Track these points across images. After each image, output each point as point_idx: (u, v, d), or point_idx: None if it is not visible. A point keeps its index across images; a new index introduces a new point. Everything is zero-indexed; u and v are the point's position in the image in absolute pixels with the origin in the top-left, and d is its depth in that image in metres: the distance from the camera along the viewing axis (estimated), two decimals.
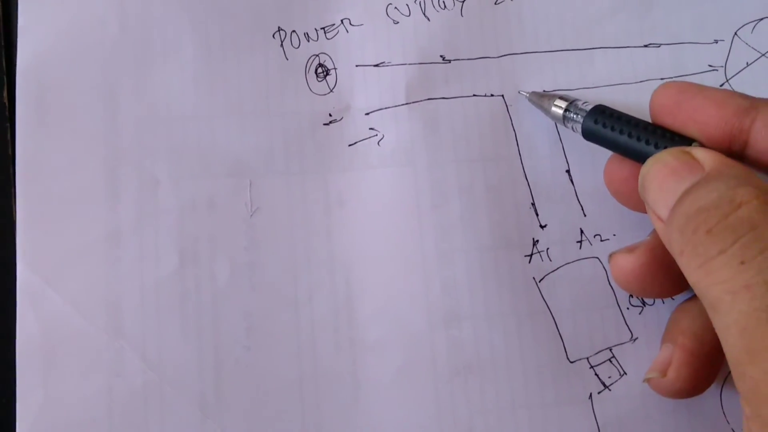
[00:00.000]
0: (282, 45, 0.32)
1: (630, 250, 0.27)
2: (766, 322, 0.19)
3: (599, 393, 0.29)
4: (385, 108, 0.31)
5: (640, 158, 0.26)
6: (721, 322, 0.20)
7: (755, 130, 0.24)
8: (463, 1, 0.32)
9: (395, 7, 0.32)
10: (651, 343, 0.30)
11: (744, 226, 0.20)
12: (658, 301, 0.30)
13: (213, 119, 0.31)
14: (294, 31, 0.32)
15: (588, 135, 0.28)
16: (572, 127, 0.29)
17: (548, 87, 0.32)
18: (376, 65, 0.32)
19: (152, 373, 0.29)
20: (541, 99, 0.30)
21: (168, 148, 0.30)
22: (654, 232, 0.28)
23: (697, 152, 0.24)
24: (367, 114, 0.31)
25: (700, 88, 0.26)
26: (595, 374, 0.30)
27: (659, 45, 0.32)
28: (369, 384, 0.29)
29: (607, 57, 0.32)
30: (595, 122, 0.28)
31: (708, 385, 0.27)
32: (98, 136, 0.30)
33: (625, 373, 0.30)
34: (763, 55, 0.32)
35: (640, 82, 0.32)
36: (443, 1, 0.32)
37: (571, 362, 0.30)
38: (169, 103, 0.31)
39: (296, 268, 0.30)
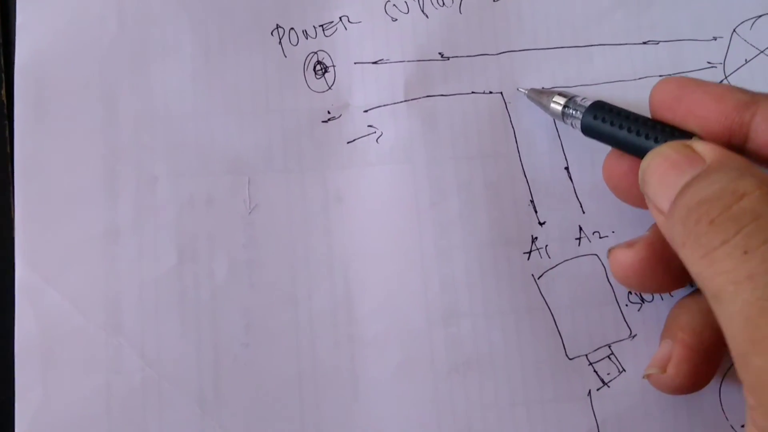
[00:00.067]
0: (280, 42, 0.32)
1: (629, 245, 0.27)
2: None
3: (598, 390, 0.29)
4: (384, 105, 0.31)
5: (640, 153, 0.26)
6: (725, 312, 0.20)
7: (755, 125, 0.24)
8: None
9: (394, 5, 0.32)
10: (650, 340, 0.30)
11: (747, 217, 0.20)
12: (657, 298, 0.30)
13: (211, 116, 0.31)
14: (292, 28, 0.32)
15: (587, 131, 0.28)
16: (571, 123, 0.29)
17: (547, 84, 0.32)
18: (375, 62, 0.32)
19: (151, 370, 0.29)
20: (540, 95, 0.30)
21: (166, 145, 0.30)
22: (653, 227, 0.28)
23: (698, 145, 0.24)
24: (366, 111, 0.31)
25: (700, 83, 0.26)
26: (594, 371, 0.30)
27: (658, 42, 0.32)
28: (368, 381, 0.29)
29: (606, 54, 0.32)
30: (594, 117, 0.28)
31: (707, 381, 0.27)
32: (97, 134, 0.30)
33: (624, 370, 0.30)
34: (762, 52, 0.32)
35: (639, 79, 0.32)
36: None
37: (570, 359, 0.30)
38: (168, 100, 0.31)
39: (295, 266, 0.30)
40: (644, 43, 0.32)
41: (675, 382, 0.27)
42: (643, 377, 0.28)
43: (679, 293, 0.30)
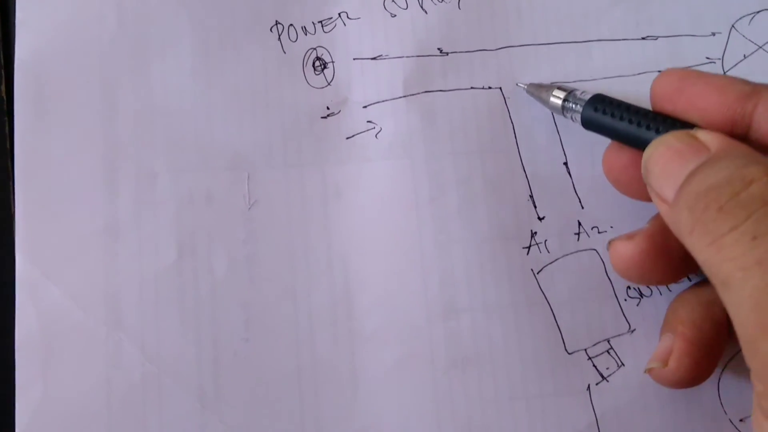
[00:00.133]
0: (279, 39, 0.32)
1: (629, 237, 0.27)
2: None
3: (597, 384, 0.30)
4: (383, 101, 0.31)
5: (641, 145, 0.26)
6: (733, 298, 0.20)
7: (757, 115, 0.24)
8: None
9: (392, 0, 0.32)
10: (649, 335, 0.30)
11: (756, 202, 0.20)
12: (656, 292, 0.30)
13: (211, 113, 0.31)
14: (291, 24, 0.32)
15: (588, 123, 0.28)
16: (571, 117, 0.29)
17: (546, 80, 0.32)
18: (374, 58, 0.32)
19: (151, 366, 0.29)
20: (539, 90, 0.30)
21: (166, 141, 0.31)
22: (652, 220, 0.28)
23: (701, 134, 0.24)
24: (365, 107, 0.31)
25: (701, 75, 0.26)
26: (593, 365, 0.30)
27: (656, 38, 0.32)
28: (367, 376, 0.29)
29: (605, 50, 0.32)
30: (595, 110, 0.28)
31: (709, 375, 0.27)
32: (96, 130, 0.30)
33: (623, 365, 0.30)
34: (761, 47, 0.33)
35: (637, 74, 0.32)
36: None
37: (569, 354, 0.30)
38: (167, 96, 0.31)
39: (294, 261, 0.30)
40: (643, 38, 0.32)
41: (676, 375, 0.27)
42: (645, 372, 0.28)
43: (678, 288, 0.30)
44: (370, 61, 0.32)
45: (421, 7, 0.32)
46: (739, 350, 0.29)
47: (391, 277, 0.30)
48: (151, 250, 0.30)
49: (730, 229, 0.20)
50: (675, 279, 0.28)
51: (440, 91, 0.31)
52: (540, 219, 0.31)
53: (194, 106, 0.31)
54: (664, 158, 0.24)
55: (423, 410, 0.29)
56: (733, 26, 0.33)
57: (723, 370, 0.30)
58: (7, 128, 0.31)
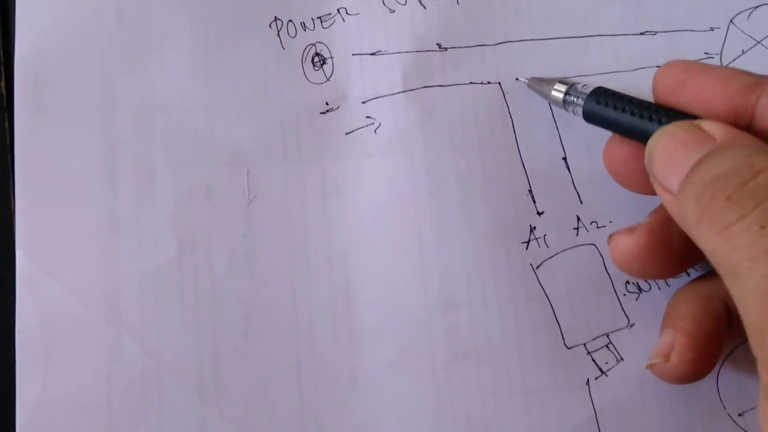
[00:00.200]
0: (279, 35, 0.32)
1: (630, 231, 0.27)
2: None
3: (596, 379, 0.30)
4: (382, 96, 0.31)
5: (643, 137, 0.26)
6: (741, 288, 0.20)
7: (760, 107, 0.24)
8: None
9: None
10: (648, 329, 0.30)
11: (764, 192, 0.20)
12: (654, 287, 0.30)
13: (210, 109, 0.31)
14: (290, 20, 0.32)
15: (589, 116, 0.28)
16: (573, 111, 0.29)
17: (545, 74, 0.32)
18: (373, 54, 0.32)
19: (151, 361, 0.29)
20: (541, 84, 0.30)
21: (165, 137, 0.31)
22: (653, 213, 0.28)
23: (706, 124, 0.24)
24: (364, 102, 0.31)
25: (704, 67, 0.26)
26: (592, 360, 0.30)
27: (655, 33, 0.32)
28: (367, 370, 0.29)
29: (603, 45, 0.32)
30: (597, 102, 0.28)
31: (710, 369, 0.27)
32: (96, 126, 0.31)
33: (622, 359, 0.30)
34: (759, 42, 0.33)
35: (636, 69, 0.32)
36: None
37: (569, 348, 0.30)
38: (167, 92, 0.31)
39: (294, 256, 0.30)
40: (642, 33, 0.32)
41: (678, 370, 0.27)
42: (647, 368, 0.28)
43: (676, 283, 0.30)
44: (369, 56, 0.32)
45: (420, 2, 0.32)
46: (738, 345, 0.30)
47: (391, 273, 0.30)
48: (150, 246, 0.30)
49: (738, 218, 0.20)
50: (675, 273, 0.28)
51: (439, 86, 0.32)
52: (539, 214, 0.31)
53: (193, 102, 0.31)
54: (669, 148, 0.24)
55: (422, 405, 0.29)
56: (731, 21, 0.33)
57: (722, 365, 0.30)
58: (6, 124, 0.31)
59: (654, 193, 0.25)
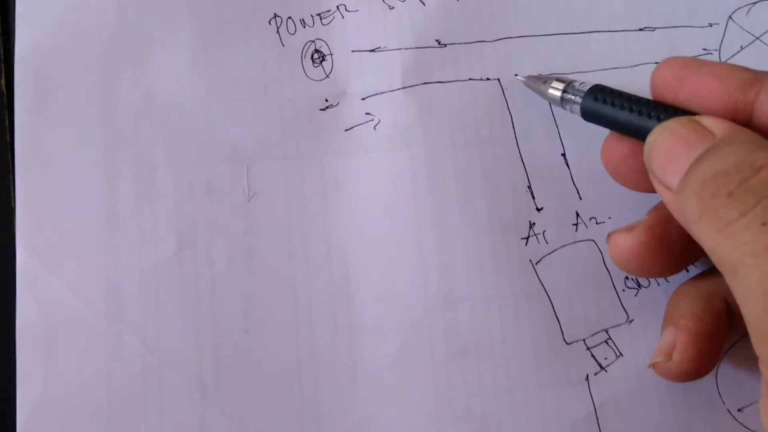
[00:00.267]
0: (278, 31, 0.32)
1: (628, 229, 0.27)
2: None
3: (596, 374, 0.30)
4: (382, 93, 0.31)
5: (642, 135, 0.26)
6: (742, 286, 0.20)
7: (760, 103, 0.24)
8: None
9: None
10: (647, 325, 0.30)
11: (765, 188, 0.20)
12: (654, 283, 0.31)
13: (210, 105, 0.31)
14: (290, 17, 0.32)
15: (587, 114, 0.28)
16: (570, 109, 0.29)
17: (544, 71, 0.32)
18: (372, 50, 0.32)
19: (151, 357, 0.29)
20: (537, 82, 0.30)
21: (165, 134, 0.31)
22: (651, 211, 0.28)
23: (705, 120, 0.24)
24: (364, 99, 0.31)
25: (703, 63, 0.26)
26: (592, 356, 0.30)
27: (654, 29, 0.32)
28: (366, 366, 0.29)
29: (602, 41, 0.32)
30: (595, 99, 0.27)
31: (713, 366, 0.27)
32: (96, 123, 0.31)
33: (622, 355, 0.30)
34: (758, 38, 0.33)
35: (635, 66, 0.32)
36: None
37: (568, 344, 0.30)
38: (167, 89, 0.31)
39: (294, 253, 0.30)
40: (640, 29, 0.32)
41: (681, 368, 0.27)
42: (649, 366, 0.28)
43: (676, 279, 0.30)
44: (368, 53, 0.32)
45: None
46: (737, 341, 0.30)
47: (390, 269, 0.30)
48: (150, 243, 0.30)
49: (739, 215, 0.20)
50: (674, 271, 0.28)
51: (438, 82, 0.32)
52: (538, 210, 0.31)
53: (193, 99, 0.31)
54: (668, 144, 0.24)
55: (422, 401, 0.29)
56: (730, 17, 0.33)
57: (721, 361, 0.30)
58: (7, 121, 0.31)
59: (653, 191, 0.25)
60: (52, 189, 0.30)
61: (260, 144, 0.31)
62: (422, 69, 0.32)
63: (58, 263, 0.29)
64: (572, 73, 0.32)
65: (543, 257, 0.30)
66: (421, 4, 0.32)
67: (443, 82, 0.32)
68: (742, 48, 0.32)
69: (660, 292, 0.30)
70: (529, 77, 0.31)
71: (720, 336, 0.27)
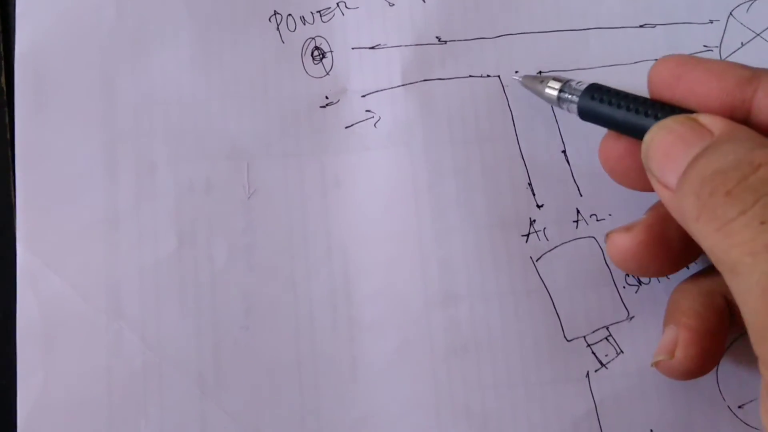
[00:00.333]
0: (278, 28, 0.32)
1: (627, 229, 0.27)
2: None
3: (596, 371, 0.30)
4: (382, 90, 0.31)
5: (639, 133, 0.25)
6: (741, 285, 0.20)
7: (757, 100, 0.24)
8: None
9: None
10: (647, 322, 0.30)
11: (765, 187, 0.20)
12: (654, 280, 0.30)
13: (210, 103, 0.31)
14: (290, 14, 0.32)
15: (584, 114, 0.28)
16: (567, 108, 0.29)
17: (544, 67, 0.32)
18: (372, 47, 0.32)
19: (151, 354, 0.29)
20: (534, 82, 0.30)
21: (165, 131, 0.31)
22: (650, 211, 0.28)
23: (703, 118, 0.23)
24: (364, 96, 0.31)
25: (700, 61, 0.25)
26: (592, 352, 0.30)
27: (654, 25, 0.32)
28: (366, 363, 0.29)
29: (603, 38, 0.32)
30: (592, 98, 0.27)
31: (715, 363, 0.27)
32: (96, 120, 0.31)
33: (622, 352, 0.30)
34: (758, 35, 0.33)
35: (635, 63, 0.32)
36: None
37: (568, 341, 0.30)
38: (167, 87, 0.31)
39: (294, 250, 0.30)
40: (641, 26, 0.32)
41: (683, 366, 0.27)
42: (652, 365, 0.28)
43: (677, 276, 0.30)
44: (368, 50, 0.32)
45: None
46: (738, 337, 0.30)
47: (390, 266, 0.30)
48: (151, 240, 0.30)
49: (738, 213, 0.20)
50: (673, 270, 0.28)
51: (439, 79, 0.32)
52: (539, 207, 0.31)
53: (193, 96, 0.31)
54: (666, 143, 0.24)
55: (422, 398, 0.29)
56: (731, 14, 0.33)
57: (722, 358, 0.30)
58: (7, 119, 0.31)
59: (651, 190, 0.25)
60: (53, 186, 0.30)
61: (260, 141, 0.31)
62: (422, 66, 0.32)
63: (59, 260, 0.29)
64: (572, 69, 0.32)
65: (543, 254, 0.30)
66: (421, 1, 0.32)
67: (443, 79, 0.32)
68: (742, 45, 0.32)
69: (660, 289, 0.30)
70: (526, 77, 0.31)
71: (721, 333, 0.27)
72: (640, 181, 0.27)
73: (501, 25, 0.32)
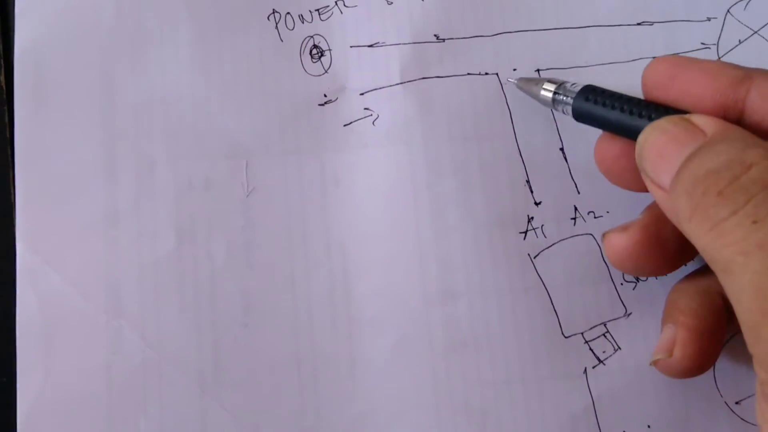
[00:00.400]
0: (277, 27, 0.32)
1: (623, 228, 0.27)
2: None
3: (594, 367, 0.30)
4: (380, 88, 0.31)
5: (634, 134, 0.26)
6: (734, 284, 0.20)
7: (750, 101, 0.24)
8: None
9: None
10: (645, 319, 0.30)
11: (756, 186, 0.20)
12: (651, 277, 0.31)
13: (209, 101, 0.31)
14: (288, 12, 0.32)
15: (579, 115, 0.28)
16: (563, 110, 0.29)
17: (542, 65, 0.32)
18: (371, 46, 0.32)
19: (151, 351, 0.29)
20: (529, 84, 0.30)
21: (165, 129, 0.31)
22: (646, 210, 0.28)
23: (696, 118, 0.24)
24: (362, 94, 0.31)
25: (693, 61, 0.25)
26: (590, 349, 0.30)
27: (652, 23, 0.33)
28: (366, 361, 0.29)
29: (601, 36, 0.32)
30: (586, 100, 0.27)
31: (713, 361, 0.27)
32: (95, 118, 0.31)
33: (620, 348, 0.30)
34: (756, 32, 0.33)
35: (633, 60, 0.32)
36: None
37: (566, 337, 0.30)
38: (166, 85, 0.31)
39: (293, 247, 0.30)
40: (638, 24, 0.32)
41: (682, 364, 0.27)
42: (650, 364, 0.28)
43: (674, 274, 0.30)
44: (367, 48, 0.32)
45: None
46: (735, 334, 0.30)
47: (389, 263, 0.30)
48: (150, 238, 0.30)
49: (730, 213, 0.20)
50: (670, 270, 0.28)
51: (437, 77, 0.32)
52: (536, 204, 0.31)
53: (192, 94, 0.31)
54: (660, 143, 0.24)
55: (421, 394, 0.29)
56: (728, 11, 0.33)
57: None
58: (6, 117, 0.31)
59: (647, 191, 0.25)
60: (52, 184, 0.30)
61: (259, 139, 0.31)
62: (421, 64, 0.32)
63: (58, 258, 0.29)
64: (570, 67, 0.32)
65: (541, 251, 0.31)
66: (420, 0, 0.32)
67: (442, 77, 0.32)
68: (740, 42, 0.32)
69: (658, 285, 0.30)
70: (521, 79, 0.31)
71: (719, 332, 0.27)
72: (636, 182, 0.27)
73: (499, 24, 0.32)
